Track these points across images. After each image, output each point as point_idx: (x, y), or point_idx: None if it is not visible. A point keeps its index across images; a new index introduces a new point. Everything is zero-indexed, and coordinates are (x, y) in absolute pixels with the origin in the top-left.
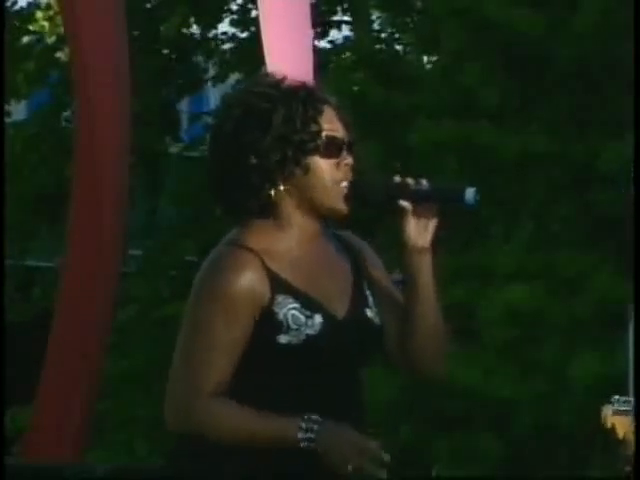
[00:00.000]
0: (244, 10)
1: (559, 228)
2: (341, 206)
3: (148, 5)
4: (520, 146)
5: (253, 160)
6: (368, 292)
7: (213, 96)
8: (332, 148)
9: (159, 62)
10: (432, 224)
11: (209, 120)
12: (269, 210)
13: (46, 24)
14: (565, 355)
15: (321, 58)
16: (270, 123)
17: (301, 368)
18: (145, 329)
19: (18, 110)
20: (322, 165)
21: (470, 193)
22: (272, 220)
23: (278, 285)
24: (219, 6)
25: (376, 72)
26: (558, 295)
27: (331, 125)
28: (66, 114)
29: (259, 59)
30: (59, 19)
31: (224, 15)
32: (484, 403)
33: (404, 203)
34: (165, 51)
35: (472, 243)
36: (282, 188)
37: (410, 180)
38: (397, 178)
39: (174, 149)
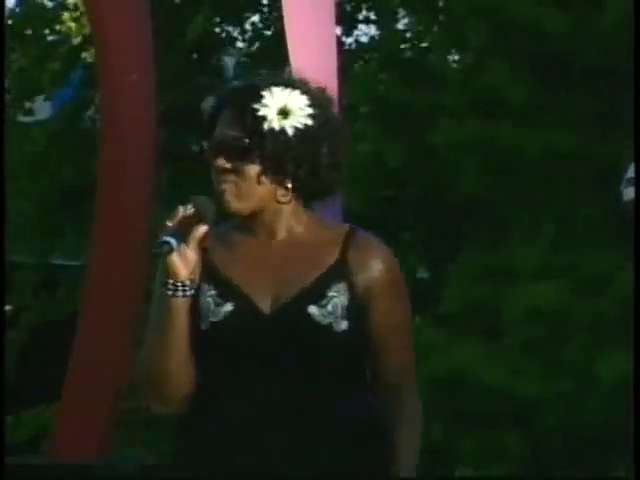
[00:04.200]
0: (268, 9)
1: (583, 227)
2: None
3: (173, 4)
4: (544, 145)
5: None
6: (335, 293)
7: None
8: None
9: (183, 61)
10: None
11: None
12: None
13: (73, 25)
14: (590, 354)
15: (346, 57)
16: None
17: (210, 355)
18: None
19: (42, 108)
20: None
21: None
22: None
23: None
24: (243, 5)
25: (400, 72)
26: (582, 294)
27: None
28: (90, 112)
29: (283, 58)
30: (85, 20)
31: (248, 14)
32: (509, 402)
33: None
34: (189, 50)
35: (496, 243)
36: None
37: None
38: None
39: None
